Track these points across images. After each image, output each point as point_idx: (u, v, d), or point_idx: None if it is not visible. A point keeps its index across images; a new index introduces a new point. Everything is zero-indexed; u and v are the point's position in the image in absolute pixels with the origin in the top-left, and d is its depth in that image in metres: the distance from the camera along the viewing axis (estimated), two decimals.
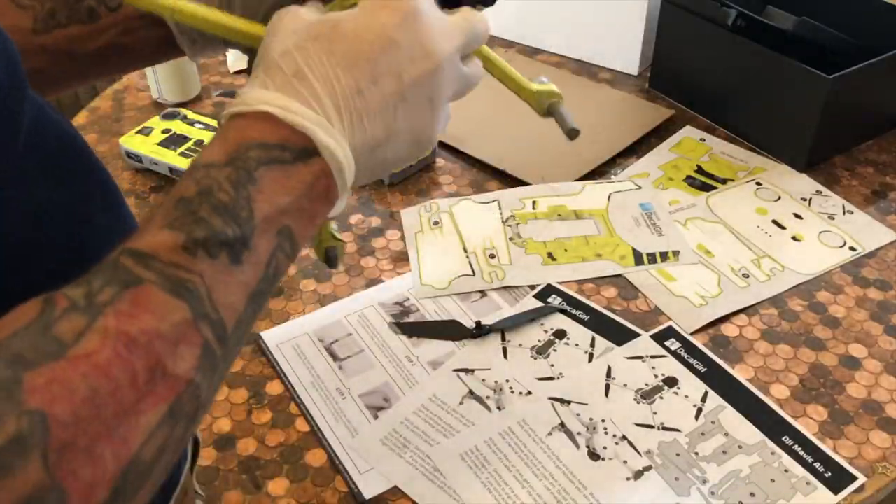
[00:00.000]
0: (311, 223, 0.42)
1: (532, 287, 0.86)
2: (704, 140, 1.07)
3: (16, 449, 0.28)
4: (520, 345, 0.79)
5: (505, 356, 0.78)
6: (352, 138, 0.42)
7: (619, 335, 0.80)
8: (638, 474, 0.68)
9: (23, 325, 0.32)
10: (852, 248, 0.90)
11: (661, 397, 0.74)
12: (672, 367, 0.77)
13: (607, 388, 0.75)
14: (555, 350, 0.79)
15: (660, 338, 0.80)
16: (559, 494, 0.67)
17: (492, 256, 0.89)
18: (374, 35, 0.42)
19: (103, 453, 0.31)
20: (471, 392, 0.75)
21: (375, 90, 0.42)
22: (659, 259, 0.88)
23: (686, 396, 0.74)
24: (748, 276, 0.87)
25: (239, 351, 0.40)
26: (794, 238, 0.92)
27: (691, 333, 0.80)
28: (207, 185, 0.38)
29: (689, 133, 1.08)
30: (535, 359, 0.78)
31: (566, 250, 0.90)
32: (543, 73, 1.21)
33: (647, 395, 0.75)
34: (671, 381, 0.76)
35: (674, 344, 0.79)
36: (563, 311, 0.83)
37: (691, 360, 0.77)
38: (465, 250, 0.90)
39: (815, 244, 0.91)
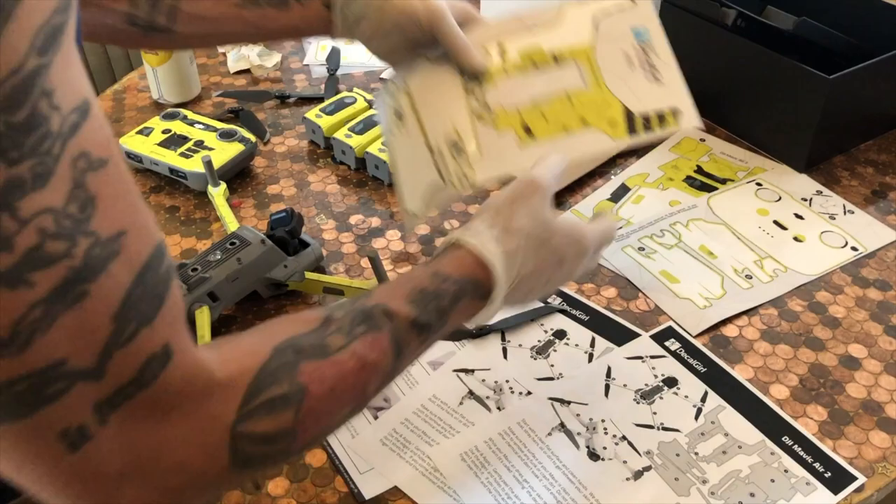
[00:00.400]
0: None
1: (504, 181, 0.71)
2: (704, 140, 1.07)
3: (282, 402, 0.45)
4: (520, 345, 0.79)
5: (505, 356, 0.78)
6: (510, 292, 0.60)
7: (619, 335, 0.80)
8: (638, 474, 0.68)
9: (308, 330, 0.49)
10: (854, 248, 0.90)
11: (661, 397, 0.74)
12: (672, 367, 0.77)
13: (607, 388, 0.75)
14: (555, 350, 0.79)
15: (660, 338, 0.80)
16: (559, 494, 0.67)
17: (457, 149, 0.71)
18: (562, 252, 0.62)
19: (329, 420, 0.49)
20: (470, 392, 0.75)
21: (542, 276, 0.62)
22: (655, 124, 0.73)
23: (686, 397, 0.74)
24: (751, 278, 0.87)
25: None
26: (795, 238, 0.92)
27: (695, 335, 0.80)
28: (439, 291, 0.56)
29: (688, 133, 1.08)
30: (535, 359, 0.78)
31: (546, 119, 0.72)
32: None
33: (647, 395, 0.75)
34: (671, 382, 0.76)
35: (674, 344, 0.79)
36: (563, 312, 0.83)
37: (691, 361, 0.78)
38: (430, 148, 0.72)
39: (816, 244, 0.91)
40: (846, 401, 0.75)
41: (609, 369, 0.77)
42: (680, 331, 0.80)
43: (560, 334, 0.81)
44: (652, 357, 0.78)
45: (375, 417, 0.73)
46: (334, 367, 0.48)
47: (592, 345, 0.79)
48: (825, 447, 0.70)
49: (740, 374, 0.77)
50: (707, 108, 1.11)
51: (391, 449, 0.70)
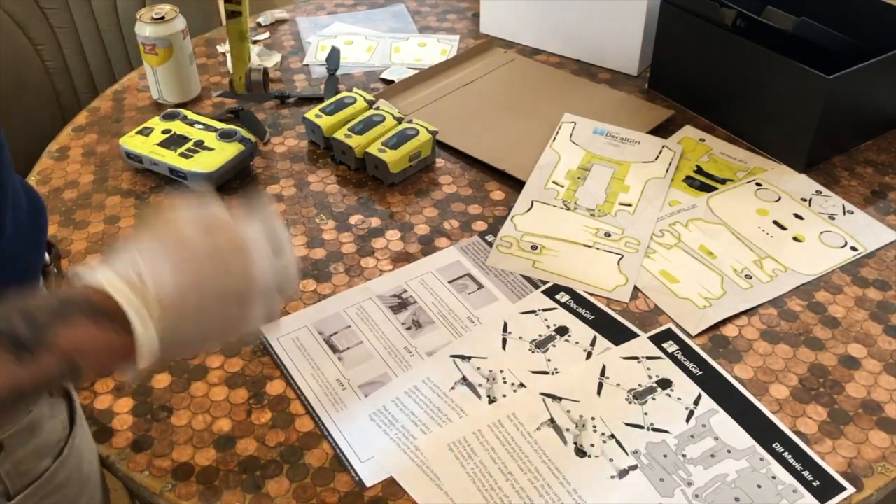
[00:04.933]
0: (100, 370, 0.52)
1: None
2: (704, 140, 1.07)
3: None
4: (520, 337, 0.80)
5: (504, 347, 0.79)
6: (161, 328, 0.50)
7: (622, 336, 0.80)
8: (623, 473, 0.68)
9: None
10: (853, 248, 0.90)
11: (654, 398, 0.74)
12: (667, 369, 0.77)
13: (600, 386, 0.75)
14: (554, 346, 0.79)
15: (658, 339, 0.80)
16: (542, 489, 0.67)
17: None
18: (209, 252, 0.53)
19: None
20: (464, 378, 0.76)
21: (194, 294, 0.52)
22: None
23: (679, 399, 0.74)
24: (751, 278, 0.87)
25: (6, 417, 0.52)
26: (795, 239, 0.92)
27: (695, 335, 0.80)
28: (32, 303, 0.48)
29: (688, 133, 1.08)
30: (533, 352, 0.78)
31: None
32: (543, 73, 1.22)
33: (640, 395, 0.75)
34: (665, 383, 0.76)
35: (671, 346, 0.79)
36: (568, 308, 0.83)
37: (687, 363, 0.77)
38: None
39: (816, 244, 0.91)
40: (846, 401, 0.75)
41: (603, 368, 0.77)
42: (679, 333, 0.80)
43: (562, 331, 0.81)
44: (648, 358, 0.78)
45: (366, 395, 0.74)
46: None
47: (593, 343, 0.79)
48: (816, 456, 0.70)
49: (740, 373, 0.77)
50: (707, 108, 1.11)
51: (378, 425, 0.71)
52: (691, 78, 1.12)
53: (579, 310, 0.83)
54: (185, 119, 1.05)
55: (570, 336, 0.80)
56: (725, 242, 0.91)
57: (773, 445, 0.70)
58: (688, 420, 0.73)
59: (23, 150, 1.13)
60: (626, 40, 1.18)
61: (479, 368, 0.77)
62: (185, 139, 1.01)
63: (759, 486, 0.67)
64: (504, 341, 0.80)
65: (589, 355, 0.78)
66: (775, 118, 1.02)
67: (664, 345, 0.79)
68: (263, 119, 1.12)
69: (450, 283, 0.86)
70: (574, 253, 0.90)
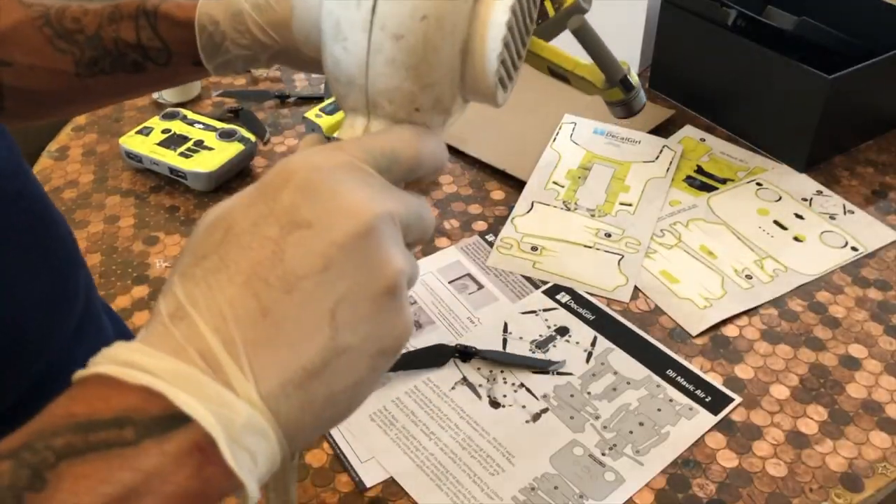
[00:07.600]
0: None
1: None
2: (704, 140, 1.07)
3: None
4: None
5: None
6: (262, 381, 0.28)
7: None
8: (536, 416, 0.73)
9: None
10: (854, 248, 0.90)
11: (555, 346, 0.79)
12: (563, 317, 0.82)
13: (504, 342, 0.80)
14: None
15: (551, 292, 0.84)
16: (464, 442, 0.70)
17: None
18: (277, 223, 0.29)
19: None
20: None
21: (290, 299, 0.29)
22: None
23: (577, 343, 0.79)
24: (751, 278, 0.87)
25: None
26: (795, 238, 0.92)
27: (695, 336, 0.80)
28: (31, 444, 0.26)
29: (688, 133, 1.08)
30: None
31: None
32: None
33: (542, 344, 0.79)
34: (563, 331, 0.80)
35: (564, 297, 0.84)
36: (569, 308, 0.83)
37: (580, 311, 0.83)
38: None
39: (816, 244, 0.91)
40: (846, 401, 0.75)
41: (505, 325, 0.81)
42: (568, 284, 0.85)
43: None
44: (544, 310, 0.83)
45: None
46: None
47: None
48: (703, 374, 0.76)
49: (740, 374, 0.77)
50: (707, 107, 1.11)
51: (378, 425, 0.72)
52: (691, 78, 1.12)
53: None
54: (184, 119, 1.05)
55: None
56: (726, 242, 0.91)
57: (667, 372, 0.77)
58: (587, 361, 0.78)
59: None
60: (627, 40, 1.18)
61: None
62: (184, 139, 1.01)
63: (658, 410, 0.73)
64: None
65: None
66: (775, 118, 1.02)
67: (557, 296, 0.84)
68: (263, 119, 1.12)
69: (450, 283, 0.86)
70: (574, 253, 0.90)
